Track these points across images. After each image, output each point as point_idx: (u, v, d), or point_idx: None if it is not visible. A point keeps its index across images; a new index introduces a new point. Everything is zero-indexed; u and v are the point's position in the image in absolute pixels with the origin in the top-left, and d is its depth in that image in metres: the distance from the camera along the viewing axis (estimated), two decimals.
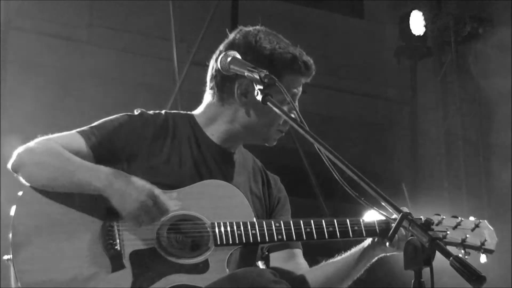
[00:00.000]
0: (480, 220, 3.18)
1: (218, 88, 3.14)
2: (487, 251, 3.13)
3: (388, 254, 3.13)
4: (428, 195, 8.58)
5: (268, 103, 2.83)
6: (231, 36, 3.18)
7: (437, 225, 3.10)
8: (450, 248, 3.03)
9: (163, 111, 3.20)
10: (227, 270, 2.88)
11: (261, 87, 2.85)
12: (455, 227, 3.11)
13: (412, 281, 2.27)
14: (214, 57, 3.19)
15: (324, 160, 2.64)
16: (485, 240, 3.12)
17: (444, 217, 3.14)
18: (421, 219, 2.81)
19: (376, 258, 3.17)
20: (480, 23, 9.36)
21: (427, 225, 2.28)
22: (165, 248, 2.88)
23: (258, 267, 3.13)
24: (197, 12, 7.72)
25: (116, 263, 2.84)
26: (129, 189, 2.82)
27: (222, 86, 3.13)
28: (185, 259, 2.87)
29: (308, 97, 9.55)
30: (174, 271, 2.84)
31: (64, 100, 7.18)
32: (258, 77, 2.85)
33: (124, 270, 2.83)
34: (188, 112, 3.24)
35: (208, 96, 3.21)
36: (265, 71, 2.89)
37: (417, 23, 9.20)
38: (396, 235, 2.93)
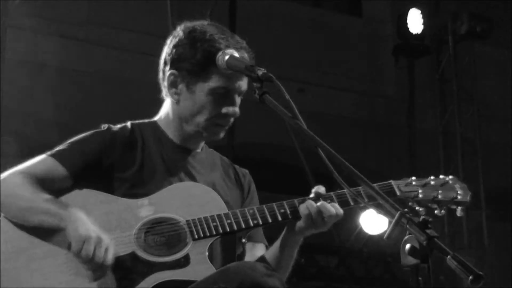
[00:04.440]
0: (450, 176, 3.19)
1: (161, 83, 3.17)
2: (461, 204, 3.13)
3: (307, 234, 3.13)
4: None
5: (265, 102, 2.83)
6: (175, 32, 3.21)
7: (406, 186, 3.12)
8: (424, 207, 3.08)
9: (128, 123, 3.21)
10: (209, 261, 2.91)
11: (259, 85, 2.85)
12: (424, 185, 3.12)
13: (410, 279, 2.28)
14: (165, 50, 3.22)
15: (322, 159, 2.64)
16: (458, 193, 3.13)
17: (413, 178, 3.16)
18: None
19: (299, 243, 3.15)
20: (478, 21, 9.37)
21: (424, 224, 2.28)
22: (144, 250, 2.91)
23: (249, 261, 3.14)
24: (195, 11, 7.72)
25: (97, 272, 2.86)
26: (87, 222, 2.85)
27: (163, 80, 3.16)
28: (166, 257, 2.91)
29: (306, 95, 9.57)
30: (156, 270, 2.88)
31: (63, 99, 7.19)
32: (255, 75, 2.85)
33: (106, 277, 2.86)
34: (151, 120, 3.26)
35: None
36: (263, 69, 2.89)
37: (415, 21, 9.21)
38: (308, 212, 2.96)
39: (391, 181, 3.14)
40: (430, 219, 2.28)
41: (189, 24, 3.18)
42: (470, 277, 2.12)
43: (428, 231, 2.25)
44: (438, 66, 9.77)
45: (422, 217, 2.30)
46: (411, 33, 9.18)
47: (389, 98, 9.77)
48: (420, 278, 2.25)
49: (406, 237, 2.31)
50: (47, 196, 2.95)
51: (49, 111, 6.91)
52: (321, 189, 3.07)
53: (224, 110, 3.06)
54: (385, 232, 2.40)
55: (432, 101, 9.77)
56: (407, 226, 2.30)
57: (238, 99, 3.12)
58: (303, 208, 3.01)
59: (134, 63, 7.91)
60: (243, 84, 3.08)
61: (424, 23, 9.25)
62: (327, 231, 3.16)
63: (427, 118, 9.65)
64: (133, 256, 2.90)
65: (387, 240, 2.36)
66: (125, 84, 7.69)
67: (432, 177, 3.18)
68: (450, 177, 3.20)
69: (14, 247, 2.91)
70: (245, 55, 3.08)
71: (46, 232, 2.93)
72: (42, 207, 2.92)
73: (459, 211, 3.15)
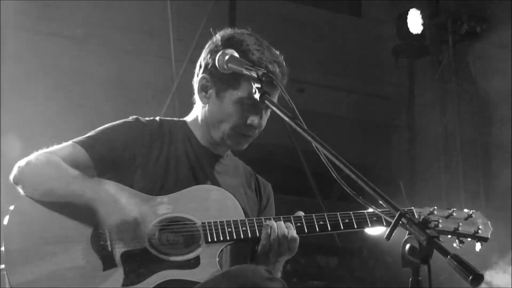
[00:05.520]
0: (474, 211, 3.19)
1: (194, 85, 3.20)
2: (482, 239, 3.13)
3: None
4: (425, 194, 8.59)
5: (265, 101, 2.84)
6: (214, 37, 3.21)
7: (428, 215, 3.12)
8: (442, 237, 3.08)
9: (157, 118, 3.22)
10: (218, 265, 2.92)
11: (259, 85, 2.85)
12: (447, 217, 3.13)
13: (410, 279, 2.28)
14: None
15: (322, 159, 2.64)
16: (479, 228, 3.13)
17: (435, 207, 3.16)
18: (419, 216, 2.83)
19: None
20: (477, 21, 9.36)
21: (424, 224, 2.28)
22: (156, 247, 2.93)
23: (250, 265, 3.15)
24: (195, 11, 7.72)
25: (107, 262, 2.89)
26: (118, 204, 2.86)
27: (195, 82, 3.18)
28: (177, 256, 2.93)
29: (306, 96, 9.57)
30: (165, 268, 2.90)
31: (62, 99, 7.17)
32: (255, 75, 2.86)
33: (115, 269, 2.89)
34: (181, 119, 3.28)
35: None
36: (263, 69, 2.90)
37: (414, 21, 9.19)
38: None
39: (412, 208, 3.15)
40: (430, 219, 2.28)
41: (228, 31, 3.19)
42: (470, 277, 2.12)
43: (428, 231, 2.24)
44: (438, 66, 9.75)
45: (422, 217, 2.31)
46: (411, 33, 9.17)
47: (389, 98, 9.76)
48: (420, 279, 2.25)
49: (406, 237, 2.30)
50: (75, 172, 2.95)
51: (49, 112, 6.90)
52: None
53: (249, 120, 3.06)
54: (384, 232, 2.40)
55: (432, 101, 9.76)
56: (407, 226, 2.30)
57: (266, 112, 3.13)
58: None
59: (134, 63, 7.91)
60: (273, 97, 3.08)
61: (424, 23, 9.24)
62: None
63: (427, 118, 9.64)
64: (144, 251, 2.92)
65: (387, 241, 2.36)
66: (125, 84, 7.68)
67: (455, 209, 3.18)
68: (474, 211, 3.21)
69: (29, 231, 2.92)
70: (277, 70, 3.08)
71: (73, 209, 2.93)
72: (69, 188, 2.93)
73: (478, 246, 3.14)
